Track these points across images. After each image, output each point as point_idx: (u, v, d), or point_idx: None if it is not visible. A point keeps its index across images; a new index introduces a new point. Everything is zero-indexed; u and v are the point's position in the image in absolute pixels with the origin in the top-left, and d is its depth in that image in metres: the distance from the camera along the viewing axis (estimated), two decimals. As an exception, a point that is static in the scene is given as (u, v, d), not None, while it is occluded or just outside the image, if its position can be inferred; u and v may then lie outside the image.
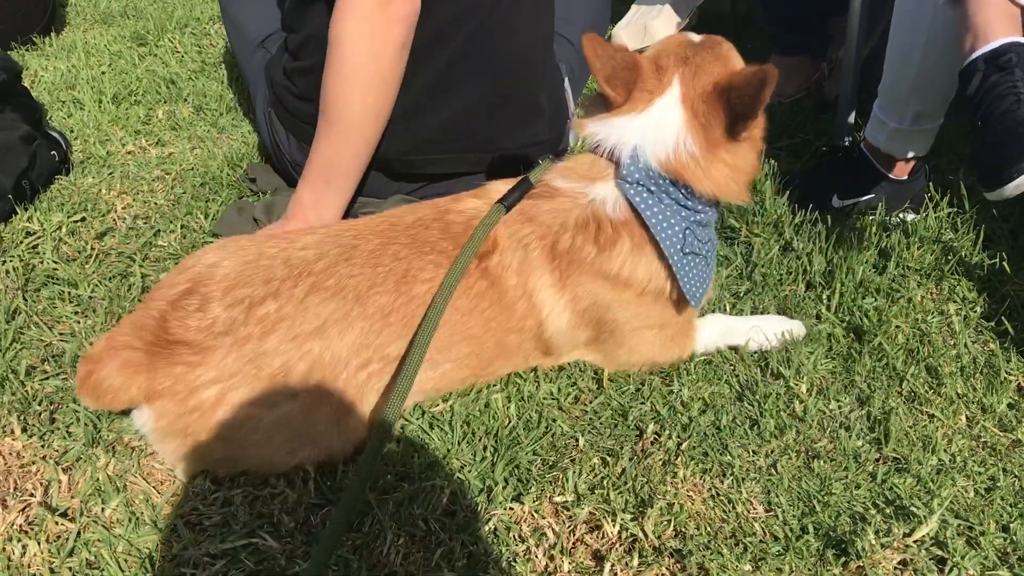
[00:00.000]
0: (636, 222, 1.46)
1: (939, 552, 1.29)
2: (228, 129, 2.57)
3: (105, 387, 1.33)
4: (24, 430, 1.50)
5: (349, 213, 1.88)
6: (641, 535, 1.32)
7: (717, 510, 1.37)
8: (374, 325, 1.39)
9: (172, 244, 2.01)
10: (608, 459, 1.45)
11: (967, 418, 1.55)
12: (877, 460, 1.46)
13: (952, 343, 1.71)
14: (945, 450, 1.47)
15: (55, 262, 1.93)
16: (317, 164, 1.78)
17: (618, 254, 1.47)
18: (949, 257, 1.90)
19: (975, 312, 1.78)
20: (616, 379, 1.61)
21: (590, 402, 1.57)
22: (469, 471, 1.42)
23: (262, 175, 2.21)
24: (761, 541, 1.32)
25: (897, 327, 1.73)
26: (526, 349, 1.54)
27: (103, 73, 2.93)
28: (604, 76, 1.45)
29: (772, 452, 1.47)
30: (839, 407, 1.56)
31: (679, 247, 1.45)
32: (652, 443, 1.49)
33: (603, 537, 1.32)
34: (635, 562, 1.28)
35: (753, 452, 1.47)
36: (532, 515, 1.36)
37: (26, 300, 1.80)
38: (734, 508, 1.37)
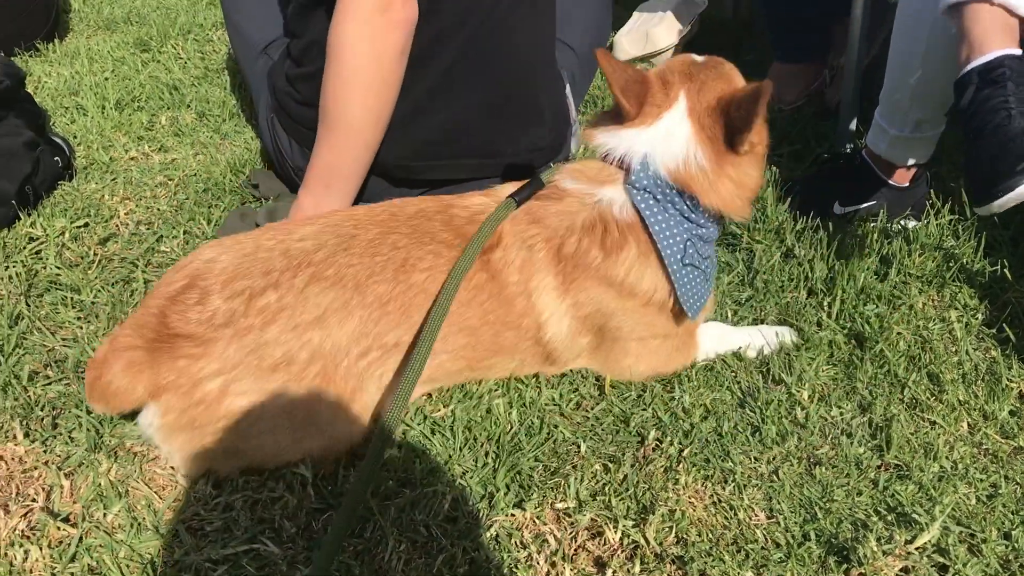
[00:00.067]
0: (642, 227, 1.47)
1: (941, 559, 1.29)
2: (231, 135, 2.57)
3: (113, 389, 1.34)
4: (26, 435, 1.50)
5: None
6: (643, 542, 1.31)
7: (719, 517, 1.37)
8: (372, 314, 1.40)
9: (175, 250, 2.01)
10: (610, 465, 1.45)
11: (969, 425, 1.55)
12: (879, 467, 1.46)
13: (953, 350, 1.71)
14: (947, 457, 1.47)
15: (58, 267, 1.93)
16: (317, 169, 1.79)
17: (624, 260, 1.47)
18: (950, 264, 1.90)
19: (976, 319, 1.79)
20: (618, 385, 1.61)
21: (592, 408, 1.57)
22: (471, 477, 1.42)
23: (265, 181, 2.22)
24: (763, 548, 1.32)
25: (899, 334, 1.73)
26: (523, 349, 1.54)
27: (106, 79, 2.94)
28: (619, 87, 1.46)
29: (774, 459, 1.47)
30: (841, 414, 1.56)
31: (679, 256, 1.46)
32: (654, 449, 1.49)
33: (605, 544, 1.32)
34: (637, 569, 1.28)
35: (755, 459, 1.47)
36: (534, 521, 1.36)
37: (29, 305, 1.81)
38: (736, 515, 1.37)
